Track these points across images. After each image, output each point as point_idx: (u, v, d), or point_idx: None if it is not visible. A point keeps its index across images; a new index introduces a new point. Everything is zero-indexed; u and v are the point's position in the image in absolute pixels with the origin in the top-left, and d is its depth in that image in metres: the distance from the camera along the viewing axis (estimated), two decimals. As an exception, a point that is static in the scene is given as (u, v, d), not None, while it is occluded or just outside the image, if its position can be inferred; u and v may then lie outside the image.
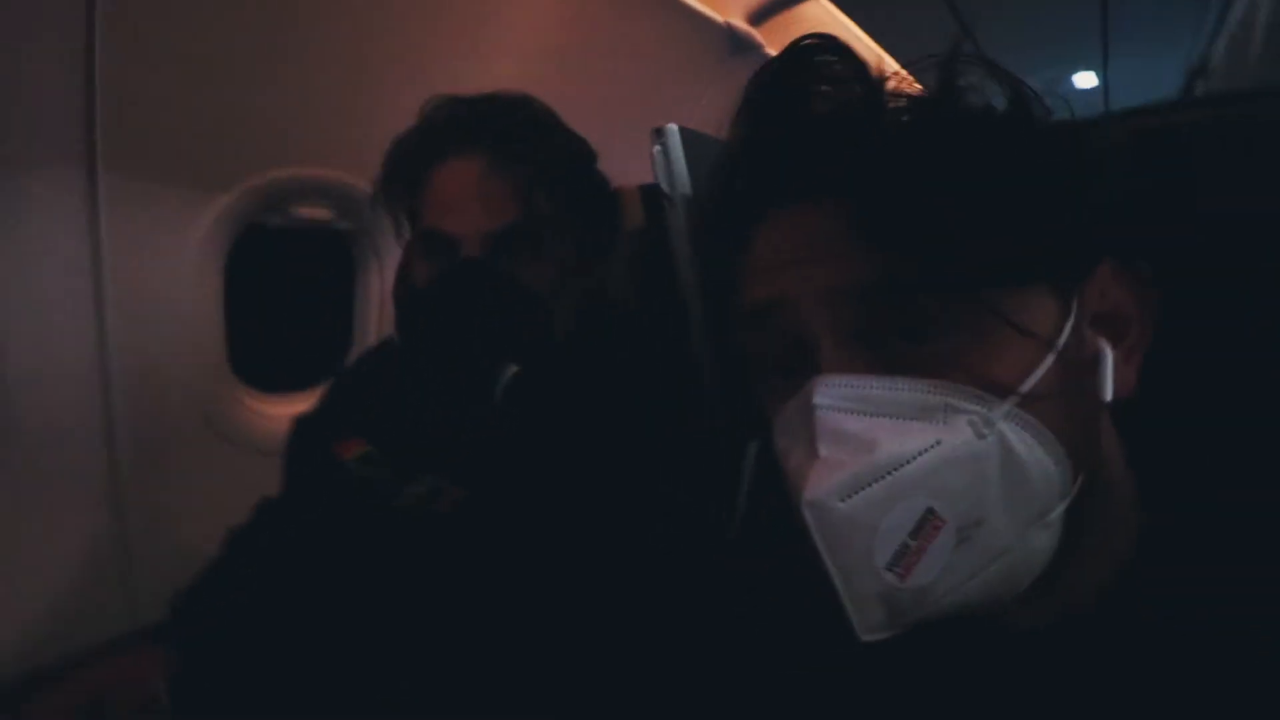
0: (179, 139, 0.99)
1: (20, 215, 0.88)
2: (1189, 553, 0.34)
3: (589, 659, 0.59)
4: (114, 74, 0.86)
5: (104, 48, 0.83)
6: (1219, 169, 0.46)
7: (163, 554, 1.15)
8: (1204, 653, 0.31)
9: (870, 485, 0.30)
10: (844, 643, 0.31)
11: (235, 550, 0.83)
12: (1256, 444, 0.39)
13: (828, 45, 0.37)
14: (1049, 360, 0.32)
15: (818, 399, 0.31)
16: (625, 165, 0.83)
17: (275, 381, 1.27)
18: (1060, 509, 0.32)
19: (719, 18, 1.59)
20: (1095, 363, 0.34)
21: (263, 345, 1.25)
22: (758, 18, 1.71)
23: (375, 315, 1.34)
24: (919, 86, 0.35)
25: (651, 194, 0.82)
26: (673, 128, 0.76)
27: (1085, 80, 3.16)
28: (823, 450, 0.30)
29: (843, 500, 0.29)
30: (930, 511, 0.30)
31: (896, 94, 0.35)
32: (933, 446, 0.30)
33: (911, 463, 0.30)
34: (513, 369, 0.67)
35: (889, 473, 0.30)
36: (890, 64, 0.36)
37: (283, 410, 1.26)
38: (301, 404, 1.08)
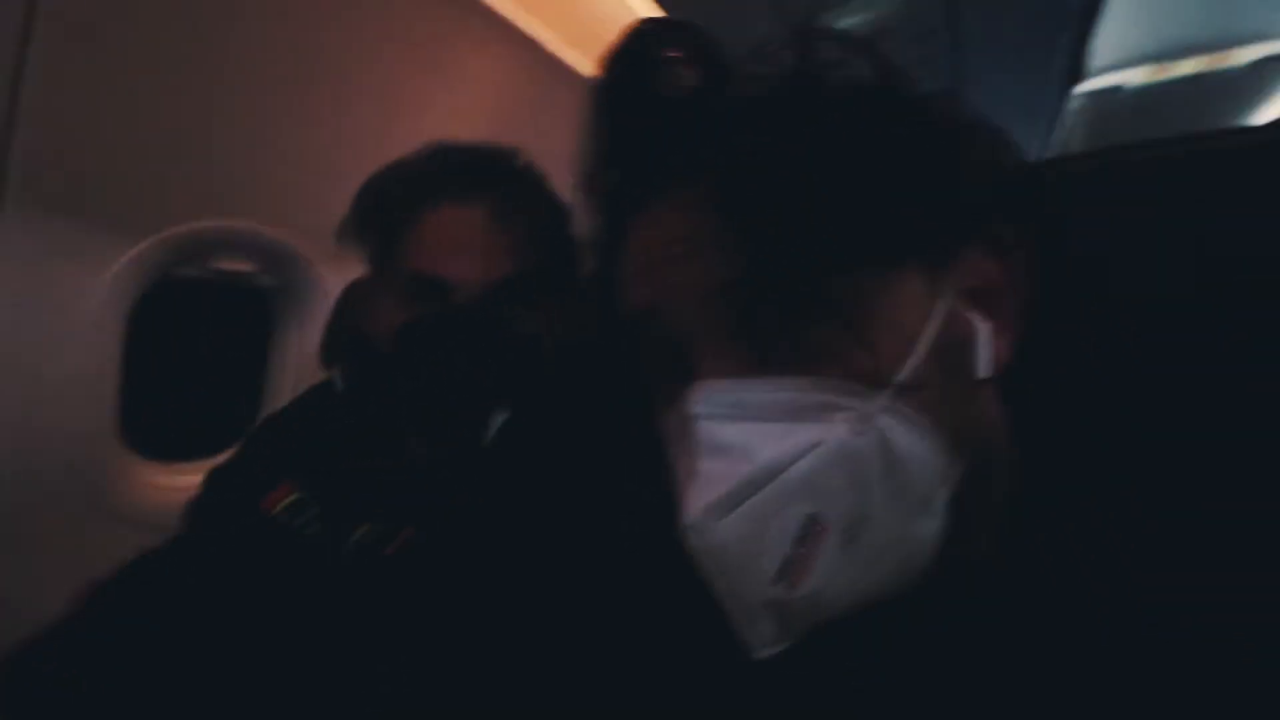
0: (95, 178, 0.91)
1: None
2: (1067, 520, 0.33)
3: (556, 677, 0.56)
4: (40, 103, 0.79)
5: (32, 76, 0.77)
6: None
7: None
8: (1082, 617, 0.30)
9: (750, 498, 0.29)
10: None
11: (109, 605, 0.72)
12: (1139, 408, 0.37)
13: (668, 27, 0.36)
14: (922, 347, 0.31)
15: (695, 408, 0.31)
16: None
17: (174, 449, 1.14)
18: (943, 495, 0.31)
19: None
20: (970, 341, 0.32)
21: (163, 409, 1.13)
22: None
23: (291, 376, 1.26)
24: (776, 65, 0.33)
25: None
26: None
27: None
28: (702, 464, 0.30)
29: (721, 518, 0.29)
30: (812, 518, 0.29)
31: (751, 73, 0.33)
32: (811, 449, 0.29)
33: (790, 468, 0.29)
34: (504, 413, 0.66)
35: (768, 482, 0.29)
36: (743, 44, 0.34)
37: (181, 481, 1.13)
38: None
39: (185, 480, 1.13)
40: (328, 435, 0.75)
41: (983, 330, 0.33)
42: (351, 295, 1.08)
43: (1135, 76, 2.01)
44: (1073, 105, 2.10)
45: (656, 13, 1.58)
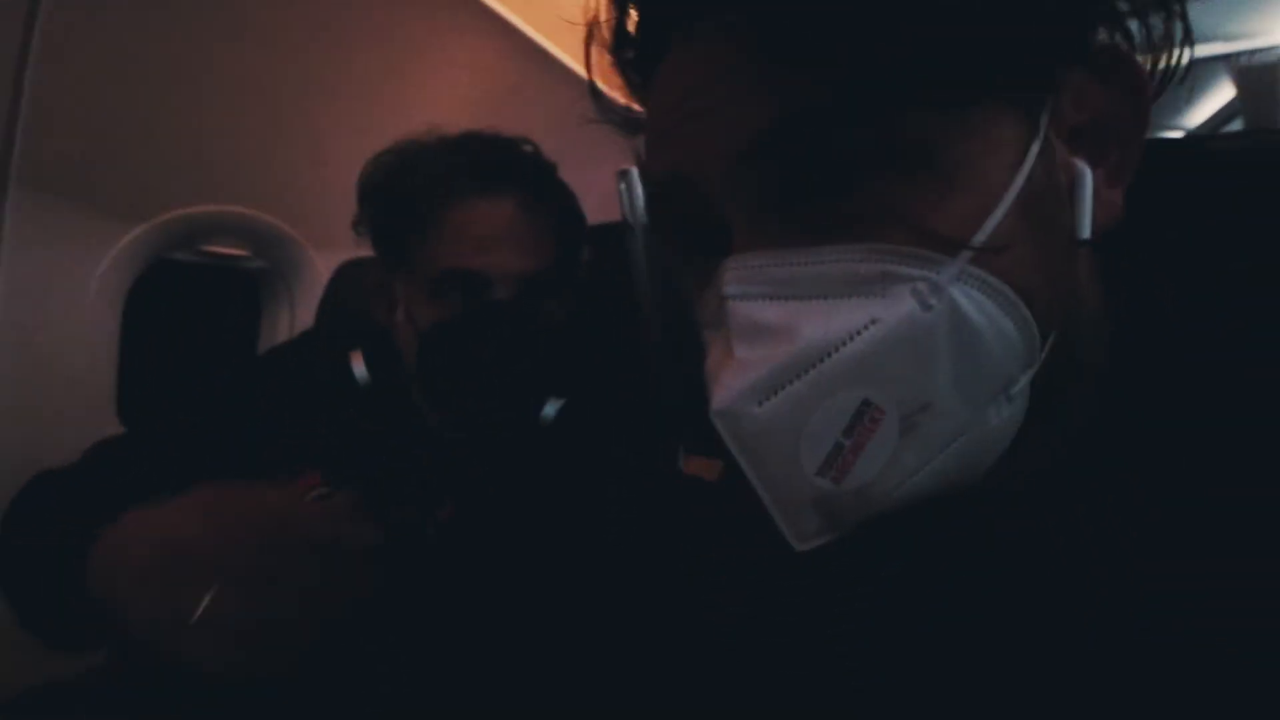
0: (97, 165, 0.94)
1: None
2: (1163, 415, 0.28)
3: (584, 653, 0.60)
4: (42, 91, 0.82)
5: (36, 64, 0.80)
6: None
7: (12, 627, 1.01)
8: (1178, 516, 0.26)
9: (792, 383, 0.25)
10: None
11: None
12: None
13: None
14: (1008, 200, 0.25)
15: (728, 288, 0.26)
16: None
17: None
18: (1025, 379, 0.26)
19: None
20: (1070, 192, 0.27)
21: (156, 389, 1.17)
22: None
23: (282, 358, 1.30)
24: None
25: (597, 231, 0.91)
26: (634, 170, 0.86)
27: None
28: (738, 350, 0.26)
29: (759, 405, 0.25)
30: (866, 403, 0.25)
31: None
32: (867, 327, 0.25)
33: (841, 350, 0.25)
34: (557, 401, 0.69)
35: (814, 365, 0.25)
36: None
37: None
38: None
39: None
40: (355, 429, 0.74)
41: (1088, 178, 0.27)
42: (349, 279, 1.11)
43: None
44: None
45: None
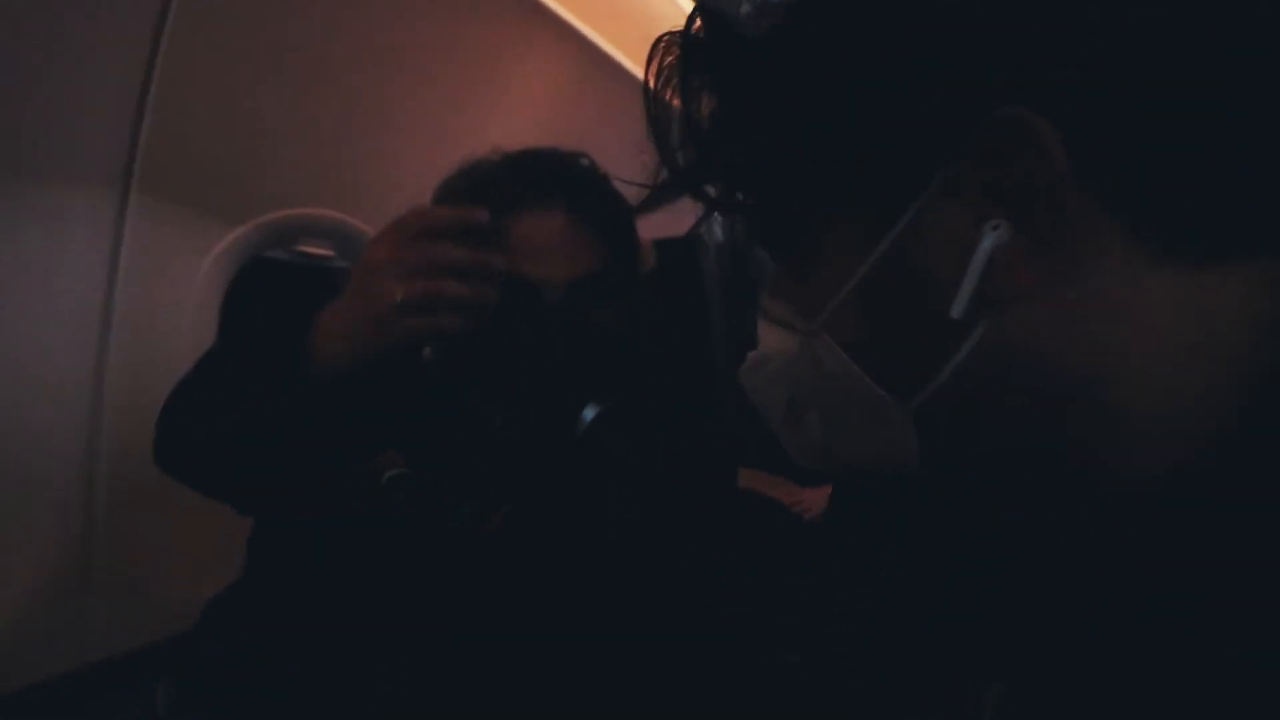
0: (206, 170, 1.04)
1: (48, 224, 0.90)
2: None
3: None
4: (165, 100, 0.91)
5: (161, 76, 0.89)
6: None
7: (125, 588, 1.11)
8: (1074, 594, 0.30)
9: (760, 370, 0.37)
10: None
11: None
12: None
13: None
14: (847, 287, 0.30)
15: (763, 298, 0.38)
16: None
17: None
18: (898, 414, 0.31)
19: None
20: (933, 280, 0.28)
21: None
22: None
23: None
24: None
25: (663, 245, 0.94)
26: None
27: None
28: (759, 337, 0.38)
29: (749, 377, 0.38)
30: (793, 396, 0.36)
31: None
32: (780, 351, 0.35)
33: (772, 360, 0.36)
34: (598, 407, 0.72)
35: (764, 366, 0.37)
36: None
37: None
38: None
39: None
40: (430, 420, 0.78)
41: (980, 254, 0.26)
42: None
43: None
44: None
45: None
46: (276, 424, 0.67)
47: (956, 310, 0.27)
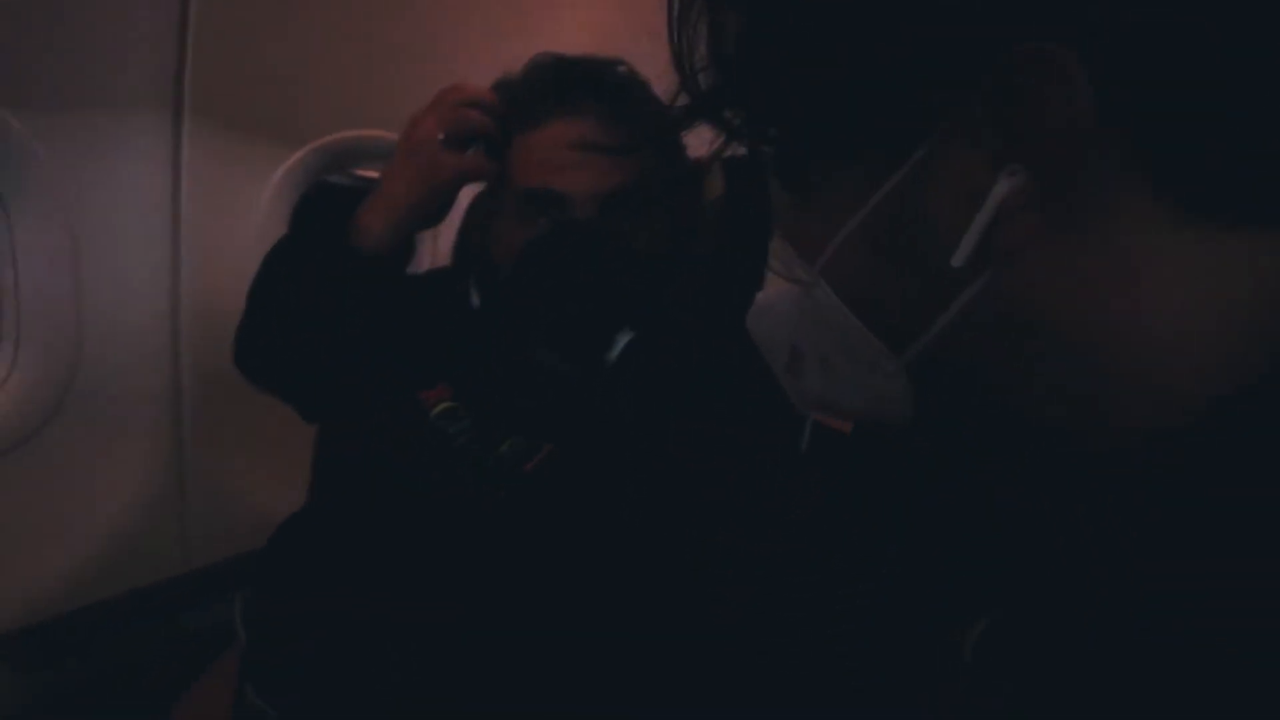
0: (259, 94, 1.01)
1: (104, 153, 0.90)
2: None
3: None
4: (205, 24, 0.87)
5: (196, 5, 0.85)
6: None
7: (217, 503, 1.17)
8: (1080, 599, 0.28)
9: (765, 315, 0.38)
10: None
11: None
12: None
13: None
14: (846, 231, 0.30)
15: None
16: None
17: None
18: (893, 366, 0.31)
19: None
20: (937, 227, 0.27)
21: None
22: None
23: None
24: None
25: (733, 166, 0.85)
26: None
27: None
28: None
29: (755, 322, 0.39)
30: (795, 344, 0.36)
31: None
32: (782, 298, 0.36)
33: (775, 307, 0.37)
34: (628, 334, 0.67)
35: (768, 312, 0.38)
36: None
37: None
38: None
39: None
40: (472, 348, 0.77)
41: (988, 204, 0.25)
42: (476, 211, 1.14)
43: None
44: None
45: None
46: (329, 303, 0.73)
47: (959, 259, 0.27)
